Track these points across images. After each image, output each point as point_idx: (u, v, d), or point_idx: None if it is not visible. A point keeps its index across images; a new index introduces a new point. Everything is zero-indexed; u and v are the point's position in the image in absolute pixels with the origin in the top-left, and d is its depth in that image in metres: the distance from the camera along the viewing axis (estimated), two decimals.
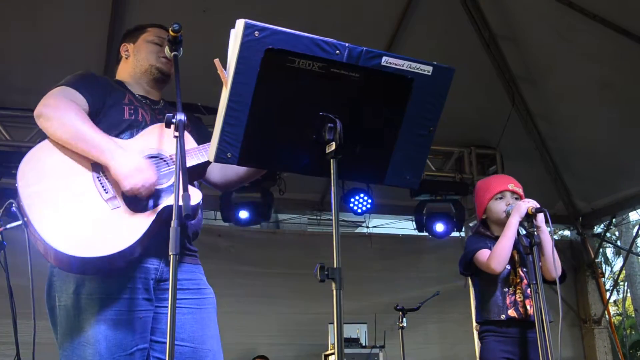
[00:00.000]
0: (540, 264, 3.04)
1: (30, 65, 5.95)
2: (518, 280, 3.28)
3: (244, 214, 7.10)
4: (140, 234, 2.21)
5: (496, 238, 3.36)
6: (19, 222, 2.18)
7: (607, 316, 8.56)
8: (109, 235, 2.17)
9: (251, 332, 7.39)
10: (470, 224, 7.79)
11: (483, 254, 3.27)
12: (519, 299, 3.24)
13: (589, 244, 8.61)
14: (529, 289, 3.24)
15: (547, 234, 3.15)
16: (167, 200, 2.28)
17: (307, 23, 5.53)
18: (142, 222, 2.23)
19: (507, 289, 3.27)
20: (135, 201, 2.27)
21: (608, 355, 8.33)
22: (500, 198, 3.40)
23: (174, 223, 1.94)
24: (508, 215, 3.25)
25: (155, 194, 2.30)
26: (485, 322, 3.33)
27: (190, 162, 2.39)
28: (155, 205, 2.28)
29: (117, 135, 2.42)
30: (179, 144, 2.04)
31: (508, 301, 3.24)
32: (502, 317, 3.22)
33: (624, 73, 6.20)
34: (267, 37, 1.84)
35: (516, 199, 3.38)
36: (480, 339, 3.38)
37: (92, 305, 2.25)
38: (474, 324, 7.08)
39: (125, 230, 2.20)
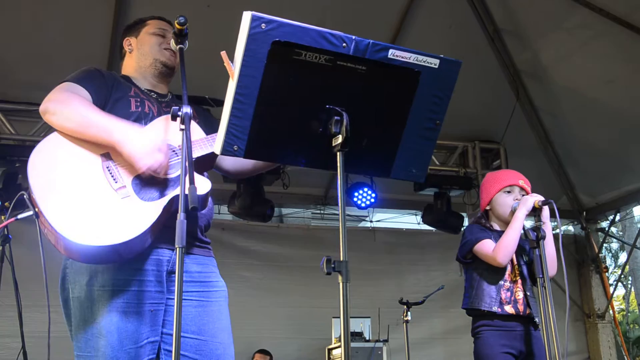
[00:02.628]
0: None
1: (34, 60, 5.95)
2: (516, 278, 3.27)
3: None
4: (150, 223, 2.20)
5: (496, 231, 3.36)
6: (30, 213, 2.19)
7: (611, 311, 8.56)
8: (118, 224, 2.16)
9: (255, 326, 7.39)
10: None
11: (487, 245, 3.25)
12: (518, 297, 3.23)
13: (592, 239, 8.61)
14: (526, 287, 3.24)
15: (549, 231, 3.14)
16: (176, 190, 2.28)
17: (313, 16, 5.51)
18: (151, 211, 2.23)
19: (502, 283, 3.25)
20: (145, 191, 2.27)
21: (612, 350, 8.33)
22: (509, 192, 3.39)
23: (180, 216, 1.94)
24: (514, 211, 3.24)
25: (165, 184, 2.30)
26: (477, 313, 3.30)
27: (199, 152, 2.39)
28: (165, 195, 2.28)
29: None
30: (184, 137, 2.04)
31: (503, 296, 3.22)
32: (493, 309, 3.20)
33: (629, 68, 6.18)
34: (274, 29, 1.83)
35: (523, 195, 3.37)
36: (474, 334, 3.33)
37: (105, 297, 2.25)
38: None
39: (135, 219, 2.20)
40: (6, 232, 4.01)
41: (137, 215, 2.21)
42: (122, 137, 2.24)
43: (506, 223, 3.35)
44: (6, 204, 5.10)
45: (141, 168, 2.23)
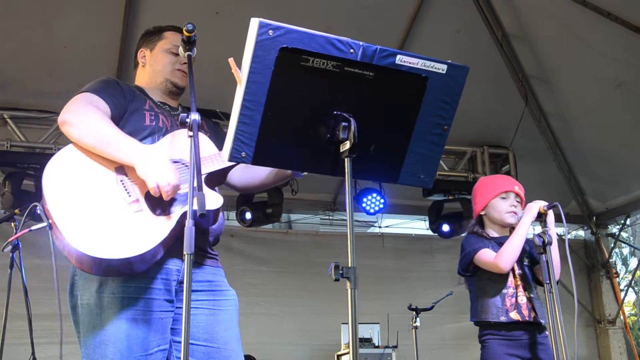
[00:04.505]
0: (539, 266, 3.05)
1: (44, 68, 5.98)
2: (518, 283, 3.26)
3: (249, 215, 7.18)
4: (162, 237, 2.22)
5: (492, 239, 3.35)
6: (44, 224, 2.20)
7: (621, 316, 8.51)
8: (131, 238, 2.18)
9: (263, 332, 7.38)
10: None
11: (486, 254, 3.25)
12: (521, 301, 3.22)
13: (603, 244, 8.57)
14: (527, 292, 3.23)
15: (554, 236, 3.14)
16: (187, 206, 2.29)
17: (320, 23, 5.53)
18: (163, 226, 2.25)
19: (506, 291, 3.24)
20: (158, 205, 2.28)
21: (623, 356, 8.27)
22: (504, 198, 3.40)
23: (188, 223, 1.95)
24: (517, 222, 3.24)
25: (177, 199, 2.31)
26: (484, 324, 3.29)
27: (211, 167, 2.41)
28: (178, 209, 2.29)
29: (139, 141, 2.44)
30: (193, 142, 2.05)
31: (508, 303, 3.21)
32: (501, 319, 3.19)
33: (638, 71, 6.15)
34: (282, 36, 1.84)
35: (518, 202, 3.38)
36: (481, 342, 3.33)
37: (114, 304, 2.26)
38: None
39: (147, 233, 2.21)
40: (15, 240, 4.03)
41: (150, 230, 2.22)
42: (138, 157, 2.26)
43: (502, 227, 3.39)
44: (16, 211, 5.13)
45: (151, 185, 2.24)
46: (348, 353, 6.82)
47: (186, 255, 1.90)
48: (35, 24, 5.70)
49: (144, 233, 2.21)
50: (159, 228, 2.24)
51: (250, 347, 6.95)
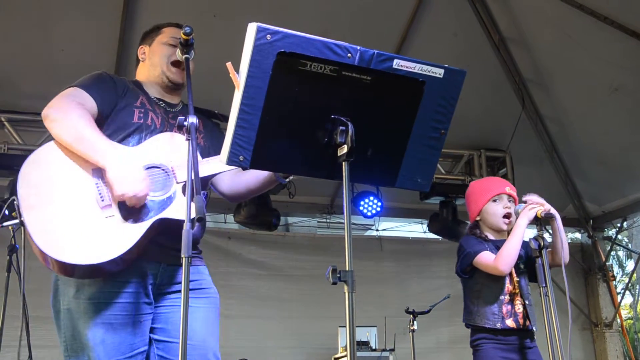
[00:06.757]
0: (551, 249, 3.10)
1: (41, 71, 5.98)
2: (516, 290, 3.26)
3: None
4: (129, 245, 2.22)
5: (491, 241, 3.35)
6: (16, 221, 2.20)
7: (618, 319, 8.52)
8: (98, 244, 2.18)
9: (260, 335, 7.38)
10: None
11: (486, 256, 3.24)
12: (517, 310, 3.21)
13: (599, 247, 8.58)
14: (523, 298, 3.23)
15: (559, 221, 3.16)
16: (163, 213, 2.30)
17: (318, 27, 5.53)
18: (132, 233, 2.25)
19: (502, 297, 3.24)
20: (130, 211, 2.28)
21: (619, 359, 8.28)
22: (496, 201, 3.40)
23: (185, 226, 1.95)
24: (517, 214, 3.23)
25: (151, 206, 2.31)
26: (478, 328, 3.29)
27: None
28: (149, 217, 2.29)
29: (124, 138, 2.45)
30: (190, 146, 2.05)
31: (505, 310, 3.21)
32: (497, 326, 3.19)
33: (634, 75, 6.17)
34: (279, 40, 1.84)
35: (510, 202, 3.38)
36: (474, 346, 3.32)
37: (92, 309, 2.27)
38: None
39: (116, 240, 2.21)
40: (13, 242, 4.02)
41: (118, 237, 2.22)
42: (109, 161, 2.26)
43: (498, 231, 3.39)
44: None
45: (116, 192, 2.24)
46: (345, 356, 6.82)
47: (184, 259, 1.91)
48: (33, 27, 5.70)
49: (112, 239, 2.21)
50: (128, 235, 2.23)
51: (246, 350, 6.95)
